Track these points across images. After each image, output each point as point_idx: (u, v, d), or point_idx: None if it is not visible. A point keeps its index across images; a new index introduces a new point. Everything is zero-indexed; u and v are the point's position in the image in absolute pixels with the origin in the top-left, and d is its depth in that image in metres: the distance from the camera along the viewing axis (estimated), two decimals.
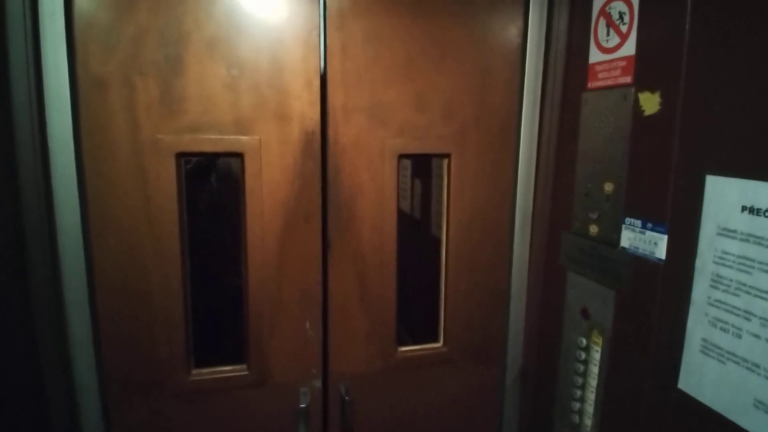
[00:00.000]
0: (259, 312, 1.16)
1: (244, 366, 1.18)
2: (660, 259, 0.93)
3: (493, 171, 1.26)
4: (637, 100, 0.96)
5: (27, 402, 0.99)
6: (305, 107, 1.10)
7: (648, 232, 0.95)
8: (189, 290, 1.12)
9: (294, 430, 1.22)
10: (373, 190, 1.18)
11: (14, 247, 0.95)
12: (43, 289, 0.99)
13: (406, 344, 1.31)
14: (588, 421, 1.11)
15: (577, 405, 1.13)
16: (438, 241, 1.33)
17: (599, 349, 1.08)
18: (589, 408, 1.10)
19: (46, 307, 1.00)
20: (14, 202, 0.94)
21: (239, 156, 1.07)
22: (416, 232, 1.97)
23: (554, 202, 1.23)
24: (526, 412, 1.36)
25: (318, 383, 1.23)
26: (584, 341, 1.11)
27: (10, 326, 0.95)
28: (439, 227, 1.65)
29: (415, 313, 1.51)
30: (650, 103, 0.94)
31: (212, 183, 1.88)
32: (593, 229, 1.10)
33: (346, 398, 1.24)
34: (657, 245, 0.93)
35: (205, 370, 1.15)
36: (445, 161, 1.25)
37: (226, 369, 1.17)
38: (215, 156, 1.14)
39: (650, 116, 0.94)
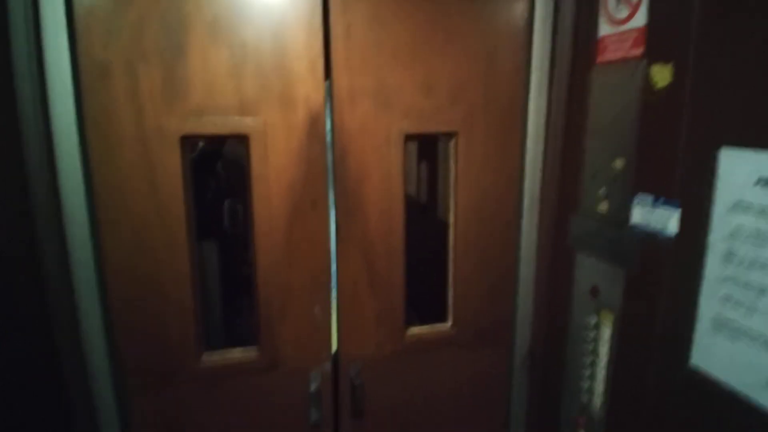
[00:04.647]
0: (268, 296, 1.16)
1: (255, 349, 1.19)
2: (671, 236, 0.91)
3: (501, 152, 1.25)
4: (648, 73, 0.94)
5: (44, 393, 1.00)
6: (310, 90, 1.09)
7: (659, 208, 0.94)
8: (198, 274, 1.12)
9: (305, 413, 1.23)
10: (380, 173, 1.18)
11: (24, 238, 0.96)
12: (54, 279, 1.00)
13: (414, 326, 1.31)
14: (597, 400, 1.11)
15: (586, 384, 1.13)
16: (445, 225, 1.33)
17: (609, 328, 1.07)
18: (599, 387, 1.10)
19: (58, 297, 1.01)
20: (22, 193, 0.95)
21: (244, 138, 1.07)
22: (423, 216, 1.97)
23: (562, 182, 1.22)
24: (535, 392, 1.36)
25: (328, 367, 1.24)
26: (593, 320, 1.10)
27: (23, 318, 0.96)
28: (446, 211, 1.64)
29: (423, 296, 1.51)
30: (662, 75, 0.92)
31: (219, 172, 1.88)
32: (602, 208, 1.09)
33: (357, 381, 1.25)
34: (668, 221, 0.92)
35: (216, 355, 1.16)
36: (452, 143, 1.23)
37: (237, 352, 1.18)
38: (220, 139, 1.13)
39: (662, 89, 0.92)
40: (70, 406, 1.05)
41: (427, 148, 2.07)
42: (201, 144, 1.93)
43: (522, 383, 1.38)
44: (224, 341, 1.21)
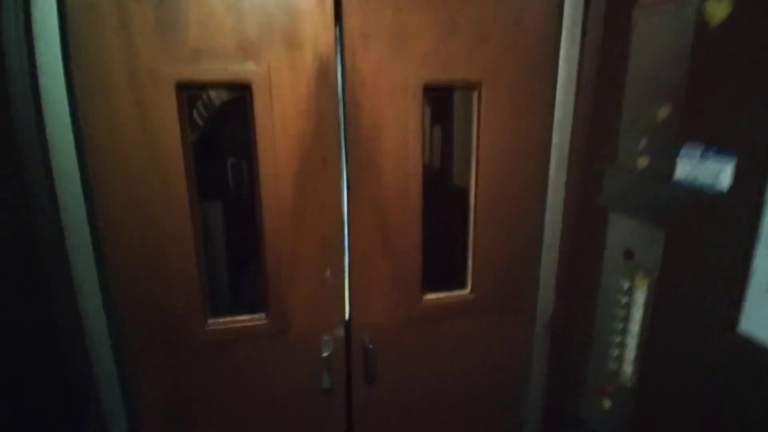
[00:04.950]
0: (276, 260, 1.09)
1: (263, 315, 1.13)
2: (722, 191, 0.82)
3: (528, 103, 1.14)
4: (702, 6, 0.83)
5: (43, 367, 0.95)
6: (318, 31, 0.98)
7: (709, 160, 0.84)
8: (201, 235, 1.05)
9: (317, 379, 1.18)
10: (396, 127, 1.08)
11: (12, 198, 0.88)
12: (48, 245, 0.93)
13: (431, 292, 1.24)
14: (628, 368, 1.04)
15: (616, 351, 1.06)
16: (460, 191, 1.24)
17: (644, 293, 0.99)
18: (630, 354, 1.03)
19: (53, 264, 0.94)
20: (10, 154, 0.87)
21: (246, 87, 0.97)
22: (437, 183, 1.87)
23: (596, 134, 1.12)
24: (557, 359, 1.30)
25: (340, 332, 1.18)
26: (626, 285, 1.03)
27: (18, 292, 0.90)
28: (462, 176, 1.54)
29: (440, 261, 1.44)
30: (719, 7, 0.80)
31: (223, 150, 1.74)
32: (642, 162, 0.99)
33: (370, 347, 1.20)
34: (719, 175, 0.82)
35: (222, 320, 1.10)
36: (475, 94, 1.13)
37: (245, 318, 1.12)
38: (221, 87, 1.03)
39: (718, 25, 0.81)
40: (71, 381, 0.99)
41: (440, 110, 1.95)
42: (201, 123, 1.80)
43: (543, 350, 1.32)
44: (232, 307, 1.15)
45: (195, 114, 1.55)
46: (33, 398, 0.91)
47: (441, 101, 1.80)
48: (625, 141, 1.03)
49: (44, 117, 0.90)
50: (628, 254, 1.02)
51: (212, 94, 1.55)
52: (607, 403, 1.11)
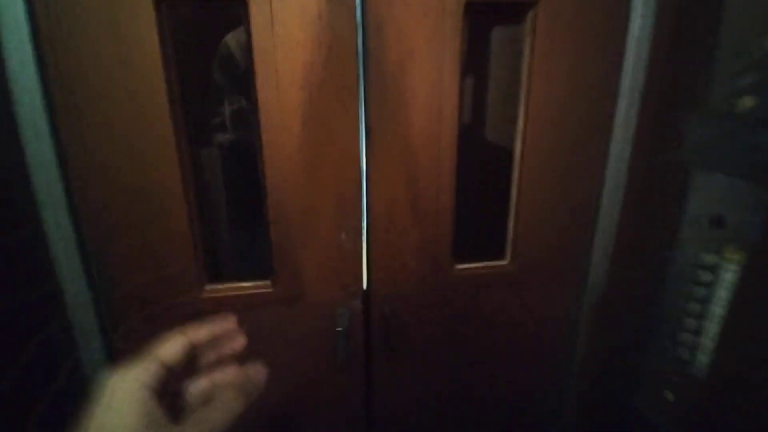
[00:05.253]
0: (282, 219, 0.92)
1: (268, 282, 0.98)
2: None
3: (594, 29, 0.91)
4: None
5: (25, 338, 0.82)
6: None
7: None
8: (193, 186, 0.89)
9: (332, 354, 1.04)
10: (429, 56, 0.87)
11: None
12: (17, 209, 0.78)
13: (463, 261, 1.06)
14: (704, 358, 0.86)
15: (689, 337, 0.88)
16: (495, 147, 1.07)
17: (734, 271, 0.80)
18: (708, 342, 0.85)
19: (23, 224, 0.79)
20: None
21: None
22: (466, 136, 1.65)
23: (679, 71, 0.89)
24: (609, 339, 1.13)
25: (358, 303, 1.03)
26: (711, 260, 0.83)
27: None
28: (495, 130, 1.34)
29: (475, 226, 1.25)
30: None
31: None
32: (744, 103, 0.77)
33: (392, 321, 1.04)
34: None
35: (221, 286, 0.96)
36: (529, 18, 0.90)
37: (248, 285, 0.97)
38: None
39: None
40: (52, 353, 0.86)
41: (472, 49, 1.69)
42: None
43: (593, 329, 1.14)
44: (234, 272, 1.00)
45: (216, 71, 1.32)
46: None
47: (473, 38, 1.54)
48: (721, 77, 0.81)
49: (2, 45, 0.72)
50: (717, 222, 0.82)
51: (232, 44, 1.31)
52: (670, 395, 0.94)
